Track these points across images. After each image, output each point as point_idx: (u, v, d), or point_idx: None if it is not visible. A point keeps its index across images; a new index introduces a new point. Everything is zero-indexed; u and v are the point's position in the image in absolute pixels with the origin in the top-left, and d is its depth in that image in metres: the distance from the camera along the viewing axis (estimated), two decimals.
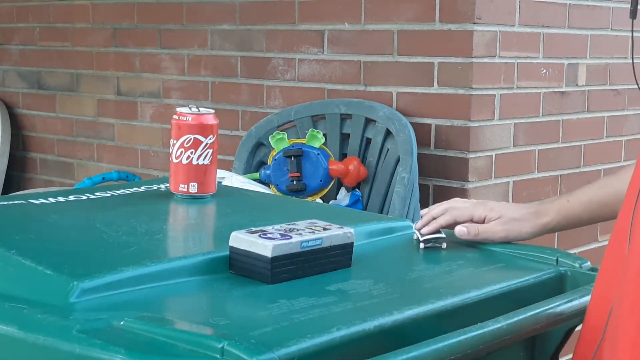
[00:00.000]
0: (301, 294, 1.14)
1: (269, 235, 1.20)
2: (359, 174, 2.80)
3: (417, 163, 2.70)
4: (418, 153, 2.72)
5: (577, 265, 1.36)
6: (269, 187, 2.80)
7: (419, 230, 1.44)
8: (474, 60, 2.71)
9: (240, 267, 1.20)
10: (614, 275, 0.99)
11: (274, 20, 3.15)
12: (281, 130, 2.93)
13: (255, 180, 2.73)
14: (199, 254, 1.24)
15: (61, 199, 1.55)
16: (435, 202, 2.81)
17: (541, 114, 2.98)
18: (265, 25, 3.18)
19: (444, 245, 1.42)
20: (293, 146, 2.80)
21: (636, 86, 1.28)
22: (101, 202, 1.55)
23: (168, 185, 1.62)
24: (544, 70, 2.96)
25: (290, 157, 2.77)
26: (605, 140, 3.25)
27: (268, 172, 2.81)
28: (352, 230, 1.28)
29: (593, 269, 1.35)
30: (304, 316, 1.06)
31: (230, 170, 2.84)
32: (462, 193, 2.74)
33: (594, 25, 3.09)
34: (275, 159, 2.80)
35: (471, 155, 2.74)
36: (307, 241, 1.21)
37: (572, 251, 2.70)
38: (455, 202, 1.49)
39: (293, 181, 2.77)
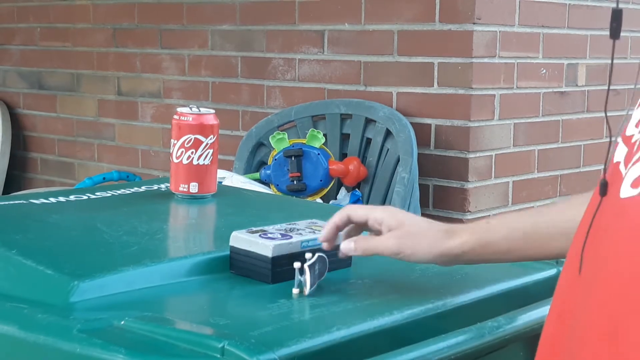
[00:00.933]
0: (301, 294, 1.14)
1: (269, 235, 1.20)
2: (359, 174, 2.80)
3: (417, 163, 2.70)
4: (418, 153, 2.72)
5: None
6: (269, 187, 2.80)
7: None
8: (474, 60, 2.71)
9: (240, 267, 1.20)
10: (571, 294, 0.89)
11: (274, 20, 3.15)
12: (281, 130, 2.93)
13: (255, 180, 2.74)
14: (199, 253, 1.24)
15: (62, 198, 1.55)
16: (435, 202, 2.81)
17: (541, 114, 2.98)
18: (266, 25, 3.18)
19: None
20: (293, 146, 2.81)
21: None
22: (101, 202, 1.55)
23: (168, 185, 1.62)
24: (544, 70, 2.96)
25: (290, 157, 2.77)
26: (605, 140, 3.25)
27: (268, 172, 2.81)
28: None
29: None
30: (304, 316, 1.06)
31: (231, 170, 2.84)
32: (462, 193, 2.74)
33: (594, 25, 3.09)
34: (275, 159, 2.80)
35: (471, 155, 2.74)
36: (307, 241, 1.21)
37: None
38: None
39: (293, 181, 2.77)
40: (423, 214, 2.63)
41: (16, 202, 1.53)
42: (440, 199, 2.80)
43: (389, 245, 1.14)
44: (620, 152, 0.85)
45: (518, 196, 2.91)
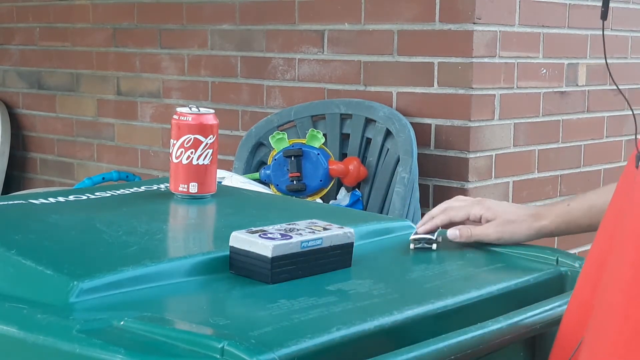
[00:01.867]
0: (301, 294, 1.14)
1: (269, 235, 1.20)
2: (359, 174, 2.80)
3: (417, 163, 2.70)
4: (418, 153, 2.72)
5: (577, 265, 1.36)
6: (269, 187, 2.80)
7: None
8: (474, 60, 2.71)
9: (240, 267, 1.20)
10: (597, 280, 0.98)
11: (274, 20, 3.15)
12: (281, 130, 2.93)
13: (255, 180, 2.73)
14: (199, 254, 1.24)
15: (61, 199, 1.55)
16: (435, 202, 2.81)
17: (541, 114, 2.98)
18: (265, 25, 3.18)
19: (434, 246, 1.41)
20: (293, 146, 2.80)
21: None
22: (101, 202, 1.55)
23: (168, 185, 1.62)
24: (544, 70, 2.96)
25: (290, 157, 2.77)
26: (605, 140, 3.25)
27: (268, 172, 2.81)
28: (352, 230, 1.28)
29: None
30: (304, 316, 1.06)
31: (231, 170, 2.84)
32: (462, 193, 2.74)
33: (594, 25, 3.09)
34: (275, 159, 2.80)
35: (471, 155, 2.74)
36: (307, 241, 1.20)
37: (572, 251, 2.70)
38: (453, 202, 1.48)
39: (293, 181, 2.77)
40: (423, 214, 2.63)
41: (15, 202, 1.53)
42: (441, 199, 2.77)
43: (490, 234, 1.40)
44: None
45: (518, 196, 2.91)
